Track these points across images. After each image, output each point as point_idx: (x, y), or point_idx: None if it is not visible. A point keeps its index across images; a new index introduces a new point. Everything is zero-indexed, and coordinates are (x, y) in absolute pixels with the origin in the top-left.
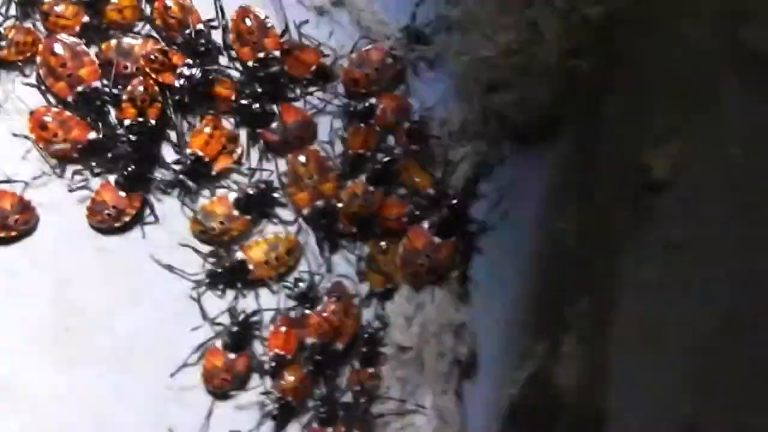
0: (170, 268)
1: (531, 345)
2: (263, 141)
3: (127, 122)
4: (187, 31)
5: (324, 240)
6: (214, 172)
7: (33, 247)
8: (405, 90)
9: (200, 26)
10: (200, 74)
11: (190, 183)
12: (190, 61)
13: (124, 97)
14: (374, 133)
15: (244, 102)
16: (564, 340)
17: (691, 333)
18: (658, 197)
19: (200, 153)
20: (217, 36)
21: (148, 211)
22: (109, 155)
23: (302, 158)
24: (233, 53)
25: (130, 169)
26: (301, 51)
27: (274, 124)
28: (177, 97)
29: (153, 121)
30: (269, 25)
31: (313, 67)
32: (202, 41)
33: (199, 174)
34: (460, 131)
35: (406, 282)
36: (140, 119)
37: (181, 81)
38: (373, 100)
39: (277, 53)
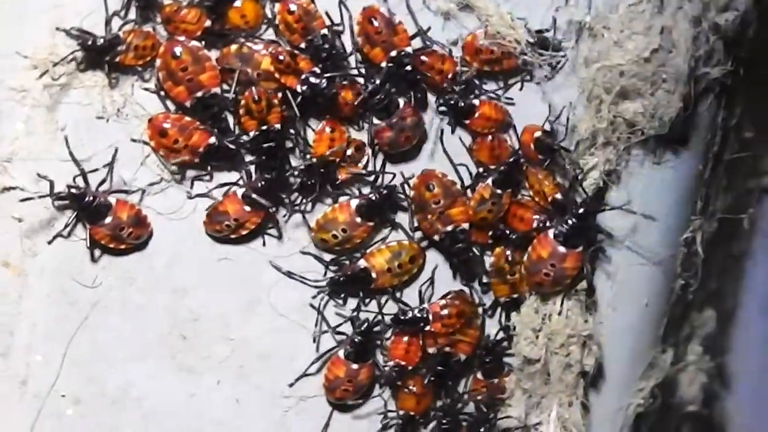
0: (290, 275)
1: (657, 354)
2: (376, 138)
3: (252, 134)
4: (311, 37)
5: (458, 266)
6: (338, 180)
7: (149, 254)
8: (533, 96)
9: (324, 31)
10: (325, 84)
11: (315, 186)
12: (317, 70)
13: (241, 111)
14: (503, 144)
15: (374, 93)
16: (689, 349)
17: None
18: None
19: (327, 154)
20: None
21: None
22: (234, 164)
23: (430, 184)
24: (359, 56)
25: (260, 184)
26: (435, 60)
27: (393, 120)
28: (297, 102)
29: (278, 126)
30: (396, 22)
31: (450, 75)
32: (327, 46)
33: (325, 177)
34: (589, 139)
35: (531, 291)
36: (264, 128)
37: (304, 87)
38: (476, 102)
39: (409, 50)
